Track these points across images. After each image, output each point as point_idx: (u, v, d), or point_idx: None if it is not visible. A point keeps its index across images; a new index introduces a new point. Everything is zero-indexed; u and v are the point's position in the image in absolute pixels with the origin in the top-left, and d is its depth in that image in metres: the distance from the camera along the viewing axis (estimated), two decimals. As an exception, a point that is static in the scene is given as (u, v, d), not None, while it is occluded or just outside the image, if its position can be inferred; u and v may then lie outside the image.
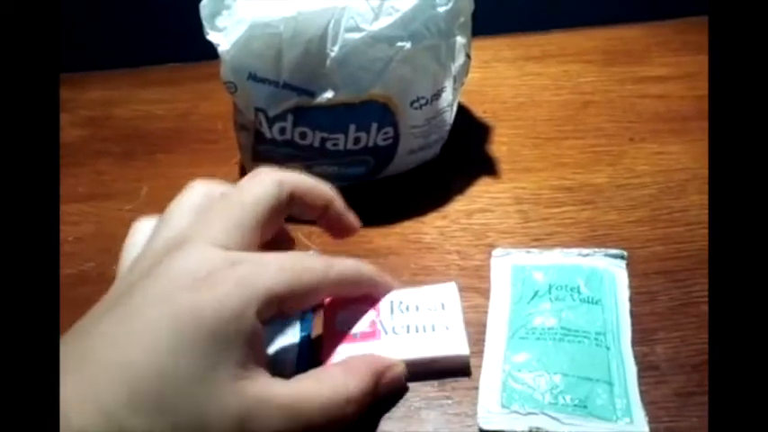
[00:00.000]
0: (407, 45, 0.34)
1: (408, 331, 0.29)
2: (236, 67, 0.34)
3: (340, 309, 0.30)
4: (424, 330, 0.29)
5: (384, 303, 0.30)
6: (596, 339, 0.29)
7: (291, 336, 0.30)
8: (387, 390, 0.28)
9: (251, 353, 0.23)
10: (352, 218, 0.31)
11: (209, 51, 0.35)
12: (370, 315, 0.30)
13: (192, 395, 0.22)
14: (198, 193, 0.28)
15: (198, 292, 0.23)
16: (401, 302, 0.30)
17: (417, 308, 0.30)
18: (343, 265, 0.28)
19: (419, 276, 0.34)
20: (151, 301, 0.23)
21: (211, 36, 0.34)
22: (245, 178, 0.28)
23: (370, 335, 0.29)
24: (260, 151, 0.38)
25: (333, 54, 0.33)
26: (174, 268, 0.24)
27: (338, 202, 0.30)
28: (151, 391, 0.21)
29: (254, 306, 0.24)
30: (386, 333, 0.29)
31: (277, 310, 0.25)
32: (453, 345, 0.29)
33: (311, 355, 0.30)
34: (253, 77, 0.34)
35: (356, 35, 0.33)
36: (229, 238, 0.25)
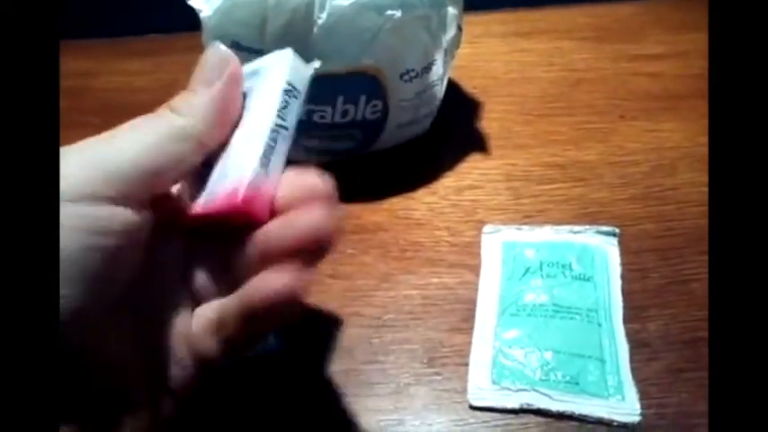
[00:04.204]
0: (398, 14, 0.33)
1: None
2: (218, 35, 0.33)
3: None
4: None
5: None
6: (588, 316, 0.29)
7: None
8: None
9: None
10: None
11: (192, 22, 0.33)
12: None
13: None
14: None
15: None
16: None
17: None
18: None
19: (408, 252, 0.33)
20: None
21: (193, 1, 0.33)
22: None
23: None
24: (244, 123, 0.37)
25: (320, 21, 0.32)
26: None
27: None
28: None
29: None
30: None
31: None
32: None
33: None
34: (236, 46, 0.33)
35: (345, 2, 0.32)
36: None
